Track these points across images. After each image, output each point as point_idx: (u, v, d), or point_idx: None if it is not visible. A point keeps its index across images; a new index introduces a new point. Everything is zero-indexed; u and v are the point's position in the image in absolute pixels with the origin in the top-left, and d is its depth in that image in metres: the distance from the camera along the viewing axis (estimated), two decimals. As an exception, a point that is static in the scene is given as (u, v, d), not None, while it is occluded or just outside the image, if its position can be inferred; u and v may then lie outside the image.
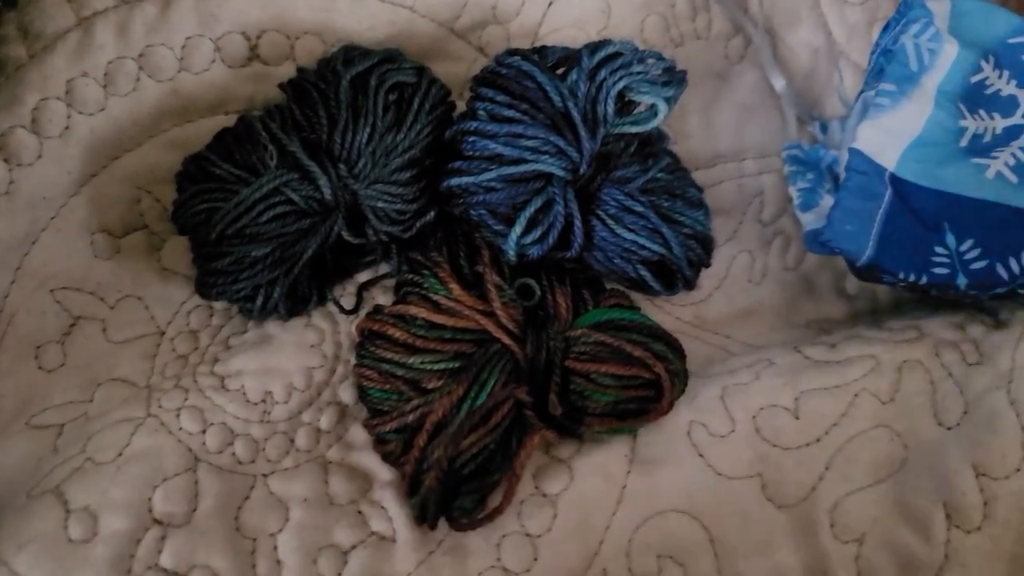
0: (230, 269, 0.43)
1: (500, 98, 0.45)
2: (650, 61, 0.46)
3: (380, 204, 0.45)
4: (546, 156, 0.44)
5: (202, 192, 0.43)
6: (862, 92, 0.50)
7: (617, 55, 0.46)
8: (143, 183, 0.48)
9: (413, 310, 0.44)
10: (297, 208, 0.43)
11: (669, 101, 0.47)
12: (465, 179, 0.45)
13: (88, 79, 0.47)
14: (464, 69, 0.53)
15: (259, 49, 0.50)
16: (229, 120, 0.48)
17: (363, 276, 0.49)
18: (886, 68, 0.47)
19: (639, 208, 0.46)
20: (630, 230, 0.46)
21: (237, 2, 0.49)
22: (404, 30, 0.52)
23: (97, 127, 0.47)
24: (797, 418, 0.44)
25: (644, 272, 0.47)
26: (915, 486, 0.42)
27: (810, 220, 0.52)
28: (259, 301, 0.44)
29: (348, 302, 0.48)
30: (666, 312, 0.52)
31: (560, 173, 0.45)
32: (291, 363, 0.46)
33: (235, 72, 0.49)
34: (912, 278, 0.47)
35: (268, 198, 0.43)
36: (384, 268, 0.49)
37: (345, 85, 0.44)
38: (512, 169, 0.44)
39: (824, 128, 0.56)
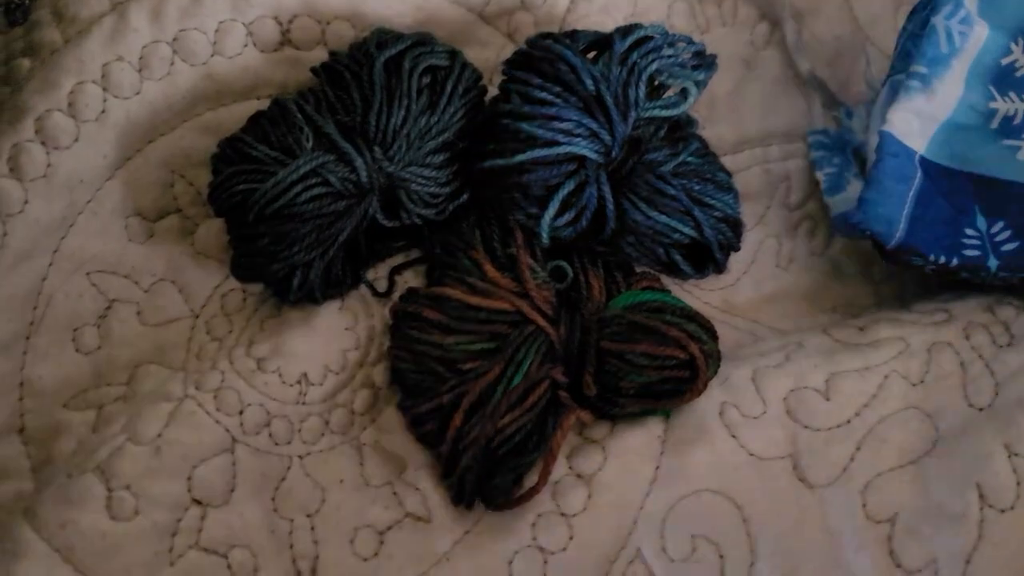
0: (267, 250, 0.43)
1: (534, 80, 0.45)
2: (680, 45, 0.46)
3: (414, 186, 0.45)
4: (579, 139, 0.45)
5: (239, 173, 0.43)
6: (889, 76, 0.49)
7: (648, 39, 0.46)
8: (177, 167, 0.48)
9: (448, 291, 0.44)
10: (333, 190, 0.43)
11: (699, 85, 0.47)
12: (499, 161, 0.45)
13: (123, 63, 0.47)
14: (493, 55, 0.53)
15: (291, 34, 0.50)
16: (262, 104, 0.48)
17: (395, 260, 0.49)
18: (916, 51, 0.47)
19: (671, 191, 0.46)
20: (662, 212, 0.46)
21: (268, -14, 0.49)
22: (433, 16, 0.52)
23: (132, 111, 0.47)
24: (828, 399, 0.44)
25: (676, 255, 0.47)
26: (947, 466, 0.42)
27: (838, 204, 0.52)
28: (295, 282, 0.44)
29: (380, 285, 0.48)
30: (695, 297, 0.52)
31: (593, 156, 0.45)
32: (326, 345, 0.46)
33: (267, 56, 0.50)
34: (943, 260, 0.47)
35: (305, 179, 0.43)
36: (416, 253, 0.49)
37: (379, 68, 0.44)
38: (546, 151, 0.44)
39: (850, 113, 0.56)
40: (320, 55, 0.49)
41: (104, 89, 0.47)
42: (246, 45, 0.49)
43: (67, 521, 0.39)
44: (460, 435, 0.41)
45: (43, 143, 0.46)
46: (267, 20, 0.50)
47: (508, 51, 0.50)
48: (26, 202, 0.46)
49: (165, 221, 0.48)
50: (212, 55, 0.49)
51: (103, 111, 0.47)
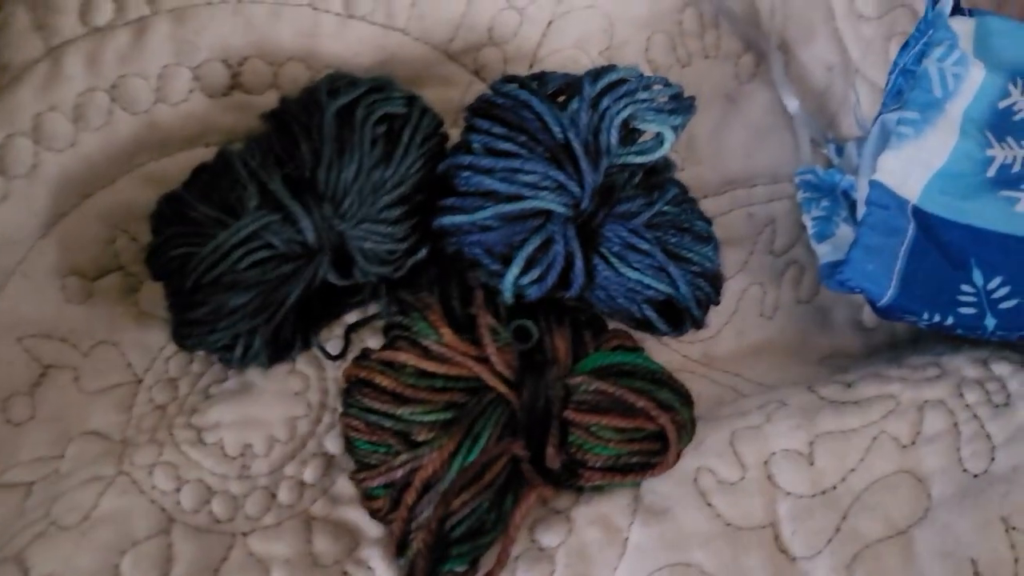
0: (207, 319, 0.41)
1: (496, 130, 0.43)
2: (656, 87, 0.44)
3: (368, 244, 0.42)
4: (545, 192, 0.42)
5: (177, 236, 0.41)
6: (880, 114, 0.47)
7: (622, 82, 0.44)
8: (118, 221, 0.46)
9: (402, 356, 0.42)
10: (278, 253, 0.41)
11: (676, 129, 0.45)
12: (459, 217, 0.43)
13: (56, 113, 0.45)
14: (459, 94, 0.51)
15: (241, 77, 0.48)
16: (209, 153, 0.45)
17: (351, 317, 0.47)
18: (908, 94, 0.45)
19: (644, 246, 0.44)
20: (635, 269, 0.44)
21: (217, 28, 0.47)
22: (395, 54, 0.50)
23: (67, 164, 0.45)
24: (812, 464, 0.43)
25: (650, 312, 0.45)
26: (940, 538, 0.41)
27: (825, 251, 0.50)
28: (238, 351, 0.42)
29: (335, 345, 0.46)
30: (673, 350, 0.50)
31: (560, 210, 0.42)
32: (273, 413, 0.44)
33: (215, 102, 0.47)
34: (937, 319, 0.45)
35: (247, 243, 0.40)
36: (373, 308, 0.47)
37: (329, 118, 0.42)
38: (509, 207, 0.42)
39: (840, 151, 0.54)
40: (272, 99, 0.46)
41: (35, 142, 0.45)
42: (192, 90, 0.47)
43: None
44: (412, 515, 0.40)
45: None
46: (215, 63, 0.47)
47: (475, 89, 0.48)
48: None
49: (106, 280, 0.46)
50: (155, 102, 0.46)
51: (34, 165, 0.45)
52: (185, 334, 0.42)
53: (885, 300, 0.45)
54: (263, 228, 0.40)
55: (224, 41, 0.47)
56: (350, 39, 0.49)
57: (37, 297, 0.44)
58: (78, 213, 0.45)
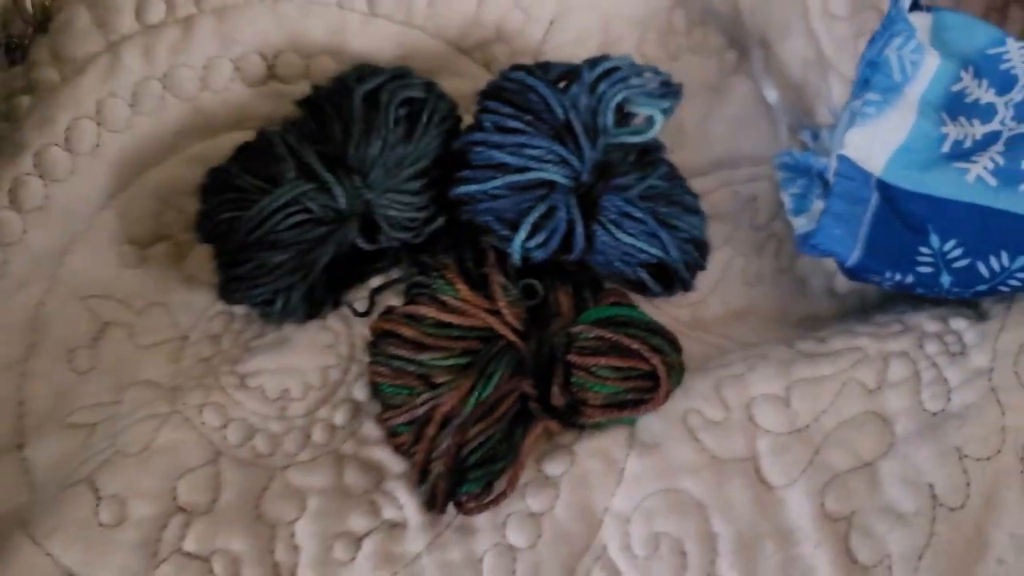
0: (251, 275, 0.45)
1: (505, 110, 0.48)
2: (647, 75, 0.48)
3: (392, 212, 0.47)
4: (549, 164, 0.47)
5: (225, 202, 0.46)
6: (849, 102, 0.51)
7: (616, 69, 0.48)
8: (168, 196, 0.50)
9: (423, 310, 0.46)
10: (314, 216, 0.45)
11: (665, 112, 0.49)
12: (472, 187, 0.47)
13: (116, 99, 0.49)
14: (470, 85, 0.54)
15: (276, 68, 0.52)
16: (248, 136, 0.50)
17: (375, 281, 0.51)
18: (871, 79, 0.49)
19: (638, 214, 0.48)
20: (629, 235, 0.48)
21: (254, 24, 0.52)
22: (413, 49, 0.55)
23: (125, 144, 0.50)
24: (788, 406, 0.46)
25: (643, 274, 0.49)
26: (902, 468, 0.44)
27: (801, 224, 0.53)
28: (278, 305, 0.46)
29: (362, 306, 0.50)
30: (664, 313, 0.53)
31: (562, 181, 0.47)
32: (307, 363, 0.47)
33: (253, 90, 0.52)
34: (898, 277, 0.49)
35: (287, 207, 0.45)
36: (395, 274, 0.51)
37: (358, 100, 0.47)
38: (517, 177, 0.47)
39: (815, 136, 0.58)
40: (304, 88, 0.51)
41: (98, 124, 0.49)
42: (232, 80, 0.52)
43: (58, 527, 0.41)
44: (433, 445, 0.43)
45: (41, 176, 0.48)
46: (253, 56, 0.52)
47: (484, 81, 0.52)
48: (24, 231, 0.48)
49: (157, 248, 0.50)
50: (200, 90, 0.51)
51: (97, 145, 0.49)
52: (232, 289, 0.46)
53: (851, 261, 0.48)
54: (301, 195, 0.45)
55: (261, 36, 0.52)
56: (373, 35, 0.54)
57: (98, 261, 0.49)
58: (134, 188, 0.50)
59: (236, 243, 0.45)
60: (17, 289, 0.48)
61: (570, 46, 0.57)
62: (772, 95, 0.59)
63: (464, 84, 0.55)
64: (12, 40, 0.49)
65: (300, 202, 0.45)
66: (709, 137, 0.58)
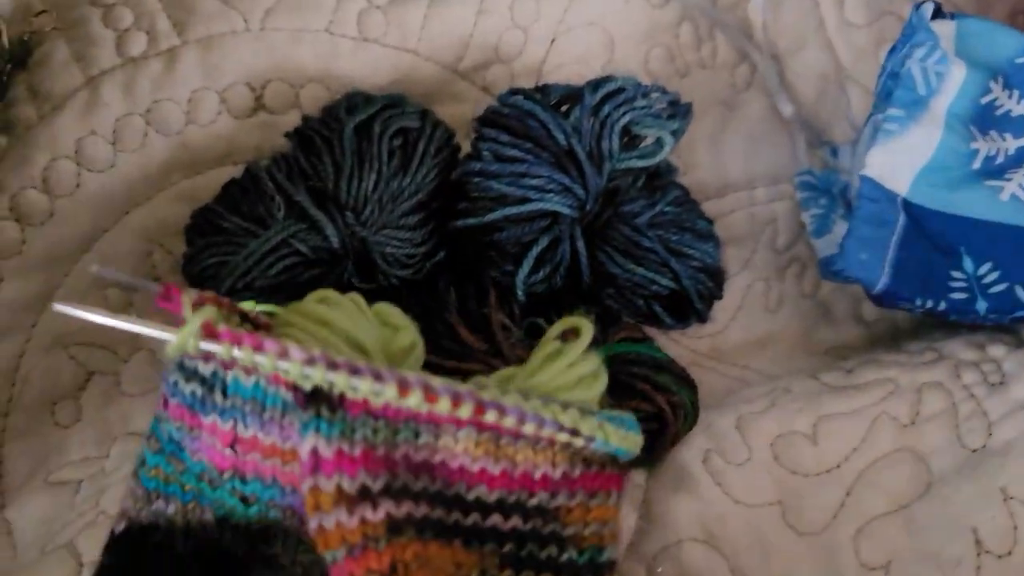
0: None
1: (503, 138, 0.45)
2: (654, 95, 0.46)
3: (389, 249, 0.45)
4: (551, 194, 0.44)
5: (211, 245, 0.44)
6: (871, 116, 0.49)
7: (620, 90, 0.46)
8: (154, 236, 0.49)
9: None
10: (306, 258, 0.43)
11: (675, 134, 0.47)
12: (471, 220, 0.45)
13: (97, 137, 0.48)
14: (469, 109, 0.53)
15: (264, 99, 0.51)
16: (237, 170, 0.48)
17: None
18: (893, 93, 0.47)
19: (647, 243, 0.46)
20: (639, 264, 0.46)
21: (240, 53, 0.50)
22: (407, 74, 0.53)
23: (107, 183, 0.48)
24: (816, 444, 0.44)
25: (655, 306, 0.47)
26: (941, 511, 0.41)
27: (824, 246, 0.52)
28: None
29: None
30: (682, 345, 0.52)
31: (566, 211, 0.45)
32: None
33: (241, 122, 0.50)
34: (930, 304, 0.46)
35: (277, 250, 0.43)
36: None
37: (349, 133, 0.45)
38: (517, 209, 0.44)
39: (835, 153, 0.55)
40: (295, 118, 0.49)
41: (78, 164, 0.47)
42: (219, 112, 0.50)
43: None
44: None
45: (17, 220, 0.46)
46: (240, 86, 0.50)
47: (484, 105, 0.50)
48: (1, 280, 0.46)
49: (143, 292, 0.48)
50: (186, 124, 0.49)
51: (77, 185, 0.47)
52: None
53: (879, 287, 0.46)
54: (291, 236, 0.43)
55: (247, 65, 0.50)
56: (365, 60, 0.52)
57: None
58: (118, 229, 0.48)
59: (225, 288, 0.43)
60: (-6, 341, 0.46)
61: (573, 65, 0.55)
62: (788, 110, 0.56)
63: (463, 109, 0.53)
64: (-10, 78, 0.47)
65: (290, 244, 0.43)
66: (722, 156, 0.56)
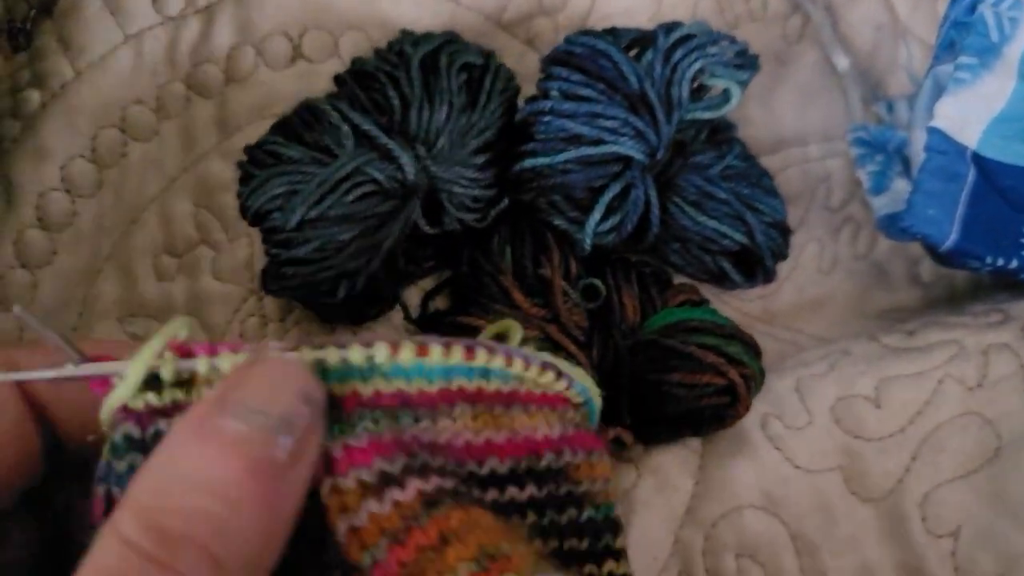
0: (314, 257, 0.40)
1: (575, 77, 0.43)
2: (723, 43, 0.44)
3: (457, 189, 0.42)
4: (625, 138, 0.42)
5: (276, 175, 0.40)
6: (931, 68, 0.47)
7: (691, 36, 0.44)
8: (200, 200, 0.46)
9: (474, 322, 0.41)
10: (381, 188, 0.40)
11: (743, 85, 0.45)
12: (540, 160, 0.42)
13: (141, 106, 0.45)
14: (512, 63, 0.50)
15: (302, 48, 0.48)
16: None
17: (426, 284, 0.47)
18: (961, 41, 0.45)
19: (721, 194, 0.44)
20: (712, 217, 0.44)
21: (276, 2, 0.47)
22: (448, 23, 0.50)
23: (151, 152, 0.45)
24: (878, 407, 0.42)
25: (724, 263, 0.45)
26: (1013, 475, 0.40)
27: (882, 204, 0.50)
28: (341, 292, 0.41)
29: (414, 312, 0.45)
30: (733, 308, 0.50)
31: (639, 157, 0.42)
32: None
33: (280, 74, 0.47)
34: (1000, 262, 0.45)
35: (351, 177, 0.39)
36: (447, 273, 0.47)
37: (416, 64, 0.42)
38: (591, 150, 0.42)
39: (890, 108, 0.54)
40: (334, 67, 0.47)
41: (123, 131, 0.45)
42: (257, 66, 0.47)
43: None
44: None
45: (68, 191, 0.44)
46: (277, 37, 0.47)
47: (528, 59, 0.48)
48: (55, 253, 0.44)
49: (191, 255, 0.46)
50: (225, 83, 0.47)
51: (123, 155, 0.45)
52: (287, 276, 0.40)
53: (947, 244, 0.45)
54: (366, 163, 0.40)
55: (284, 15, 0.48)
56: (406, 7, 0.50)
57: (132, 277, 0.44)
58: (163, 197, 0.46)
59: (295, 220, 0.39)
60: (49, 314, 0.43)
61: (620, 17, 0.53)
62: (842, 63, 0.54)
63: (506, 62, 0.50)
64: (14, 24, 0.44)
65: (365, 172, 0.40)
66: (775, 112, 0.54)
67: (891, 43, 0.54)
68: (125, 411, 0.26)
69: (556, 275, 0.42)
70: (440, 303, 0.46)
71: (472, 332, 0.41)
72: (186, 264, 0.45)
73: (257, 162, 0.41)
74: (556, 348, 0.41)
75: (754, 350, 0.43)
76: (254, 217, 0.40)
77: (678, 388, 0.40)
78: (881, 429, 0.42)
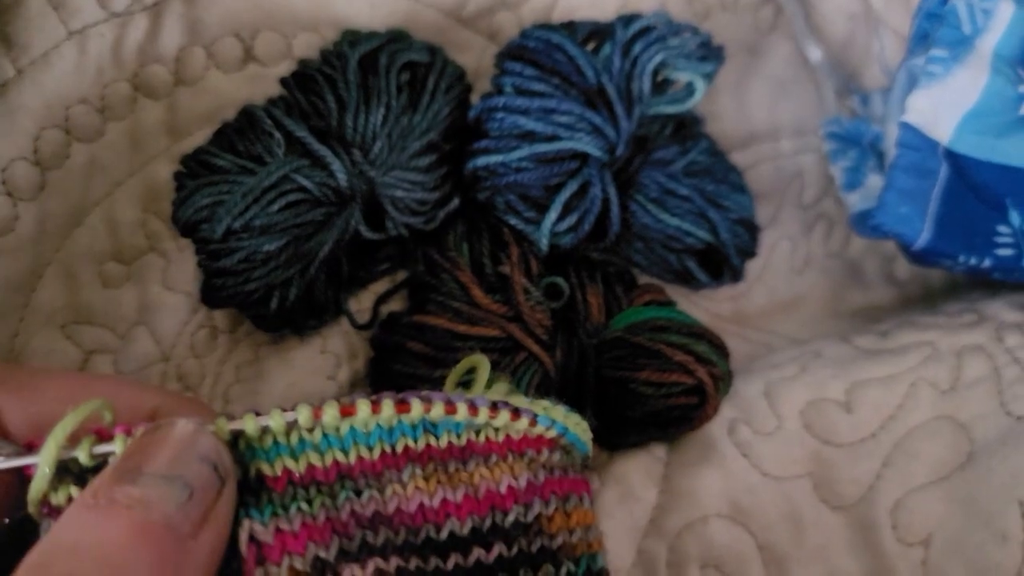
0: (240, 268, 0.39)
1: (528, 72, 0.42)
2: (685, 35, 0.43)
3: (399, 193, 0.41)
4: (581, 134, 0.41)
5: (204, 186, 0.39)
6: (905, 60, 0.46)
7: (651, 28, 0.43)
8: (148, 205, 0.45)
9: (432, 320, 0.40)
10: (310, 196, 0.39)
11: (707, 78, 0.44)
12: (493, 158, 0.41)
13: (85, 106, 0.44)
14: (474, 60, 0.49)
15: (254, 51, 0.46)
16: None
17: (378, 287, 0.45)
18: (934, 33, 0.44)
19: (683, 191, 0.43)
20: (674, 215, 0.43)
21: (227, 2, 0.46)
22: (406, 20, 0.49)
23: (96, 154, 0.44)
24: (849, 412, 0.41)
25: (689, 261, 0.44)
26: (985, 482, 0.39)
27: (855, 201, 0.49)
28: (274, 304, 0.40)
29: (363, 317, 0.44)
30: (703, 309, 0.49)
31: (597, 153, 0.41)
32: (305, 396, 0.42)
33: (230, 77, 0.46)
34: (973, 261, 0.44)
35: (278, 186, 0.39)
36: (402, 275, 0.45)
37: (353, 66, 0.41)
38: (545, 147, 0.40)
39: (865, 101, 0.52)
40: (287, 69, 0.45)
41: (67, 132, 0.43)
42: (207, 68, 0.46)
43: None
44: None
45: (9, 194, 0.42)
46: (228, 39, 0.46)
47: (490, 55, 0.46)
48: None
49: (140, 262, 0.44)
50: (175, 85, 0.45)
51: (67, 156, 0.43)
52: (217, 287, 0.39)
53: (920, 243, 0.44)
54: (294, 171, 0.39)
55: (234, 16, 0.46)
56: (361, 5, 0.48)
57: (76, 284, 0.43)
58: (110, 201, 0.44)
59: (222, 230, 0.38)
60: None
61: (586, 10, 0.51)
62: (815, 55, 0.53)
63: (467, 59, 0.49)
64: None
65: (293, 180, 0.39)
66: (746, 106, 0.53)
67: (865, 34, 0.53)
68: (48, 507, 0.26)
69: (516, 271, 0.41)
70: (398, 305, 0.45)
71: (432, 331, 0.40)
72: (135, 272, 0.44)
73: (190, 172, 0.40)
74: (518, 347, 0.40)
75: (722, 351, 0.42)
76: (184, 228, 0.40)
77: (645, 387, 0.40)
78: (852, 434, 0.41)
